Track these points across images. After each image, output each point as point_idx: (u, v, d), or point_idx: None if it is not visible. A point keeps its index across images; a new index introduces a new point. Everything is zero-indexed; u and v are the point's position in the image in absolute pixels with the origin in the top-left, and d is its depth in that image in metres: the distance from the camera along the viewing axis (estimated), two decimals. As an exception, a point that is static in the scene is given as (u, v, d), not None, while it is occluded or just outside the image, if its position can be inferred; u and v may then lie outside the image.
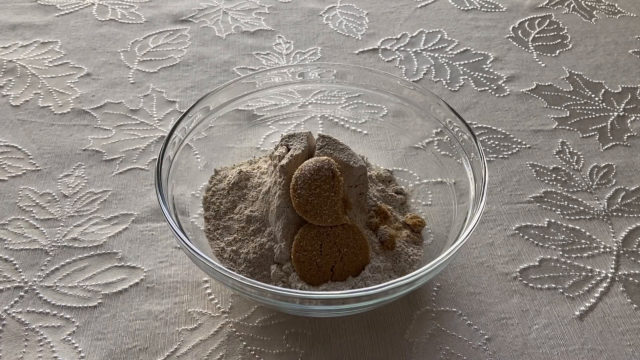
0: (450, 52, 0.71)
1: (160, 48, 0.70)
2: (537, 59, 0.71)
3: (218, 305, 0.46)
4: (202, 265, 0.40)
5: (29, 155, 0.57)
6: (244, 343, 0.43)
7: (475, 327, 0.45)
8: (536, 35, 0.74)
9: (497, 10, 0.78)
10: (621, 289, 0.48)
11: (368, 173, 0.48)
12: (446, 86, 0.66)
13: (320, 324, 0.45)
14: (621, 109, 0.64)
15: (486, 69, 0.69)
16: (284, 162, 0.45)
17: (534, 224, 0.52)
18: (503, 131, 0.61)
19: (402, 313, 0.45)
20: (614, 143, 0.60)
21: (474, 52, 0.71)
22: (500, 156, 0.59)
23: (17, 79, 0.65)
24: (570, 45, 0.73)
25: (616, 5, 0.80)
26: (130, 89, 0.64)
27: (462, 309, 0.46)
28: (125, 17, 0.74)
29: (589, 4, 0.80)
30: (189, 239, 0.41)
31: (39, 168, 0.55)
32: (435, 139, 0.53)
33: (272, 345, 0.43)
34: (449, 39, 0.73)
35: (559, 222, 0.52)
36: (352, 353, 0.43)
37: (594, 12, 0.78)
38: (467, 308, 0.46)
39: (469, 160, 0.48)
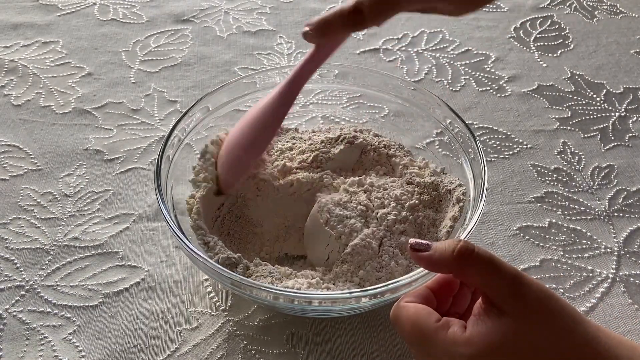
0: (451, 52, 0.71)
1: (162, 48, 0.70)
2: (538, 59, 0.71)
3: (218, 304, 0.46)
4: (201, 266, 0.40)
5: (30, 155, 0.57)
6: (245, 342, 0.43)
7: (476, 327, 0.45)
8: (538, 36, 0.74)
9: (498, 10, 0.78)
10: (622, 289, 0.47)
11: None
12: (447, 86, 0.66)
13: (321, 324, 0.45)
14: (623, 110, 0.64)
15: (487, 69, 0.69)
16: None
17: (535, 224, 0.52)
18: (504, 131, 0.61)
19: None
20: (615, 143, 0.60)
21: (475, 52, 0.71)
22: (502, 156, 0.58)
23: (19, 79, 0.65)
24: (572, 46, 0.73)
25: (618, 5, 0.80)
26: (131, 89, 0.64)
27: (463, 309, 0.46)
28: (127, 17, 0.74)
29: (591, 4, 0.80)
30: (187, 239, 0.41)
31: (40, 167, 0.55)
32: (436, 139, 0.53)
33: (272, 345, 0.43)
34: (451, 39, 0.73)
35: (560, 223, 0.52)
36: (352, 353, 0.43)
37: (596, 12, 0.78)
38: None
39: (468, 161, 0.48)
